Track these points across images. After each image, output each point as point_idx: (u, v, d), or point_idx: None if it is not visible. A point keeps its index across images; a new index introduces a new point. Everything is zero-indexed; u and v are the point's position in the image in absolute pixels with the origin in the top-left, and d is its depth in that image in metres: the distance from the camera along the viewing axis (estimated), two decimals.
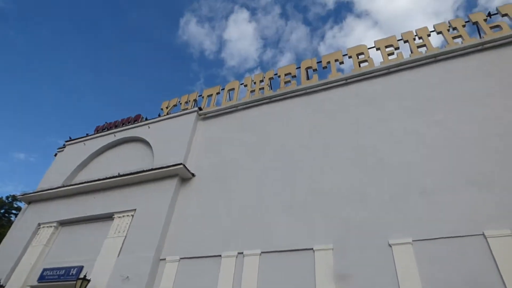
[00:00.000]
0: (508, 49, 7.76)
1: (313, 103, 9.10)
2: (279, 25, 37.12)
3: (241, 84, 10.91)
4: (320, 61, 9.97)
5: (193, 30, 38.25)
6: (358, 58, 9.38)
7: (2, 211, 19.79)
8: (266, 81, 10.39)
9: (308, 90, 9.42)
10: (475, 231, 5.38)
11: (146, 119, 11.37)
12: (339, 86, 9.10)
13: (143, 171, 9.16)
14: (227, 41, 38.47)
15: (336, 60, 9.71)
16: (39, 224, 9.89)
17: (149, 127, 10.89)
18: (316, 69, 9.90)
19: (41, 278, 8.48)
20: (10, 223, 18.17)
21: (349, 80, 9.04)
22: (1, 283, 8.40)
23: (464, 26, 8.70)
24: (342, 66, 9.87)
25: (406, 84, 8.25)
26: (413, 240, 5.66)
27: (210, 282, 6.65)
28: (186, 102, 11.41)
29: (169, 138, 10.05)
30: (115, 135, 11.39)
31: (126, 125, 11.57)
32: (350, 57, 9.55)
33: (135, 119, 11.69)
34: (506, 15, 8.34)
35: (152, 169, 9.09)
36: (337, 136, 7.94)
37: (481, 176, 5.95)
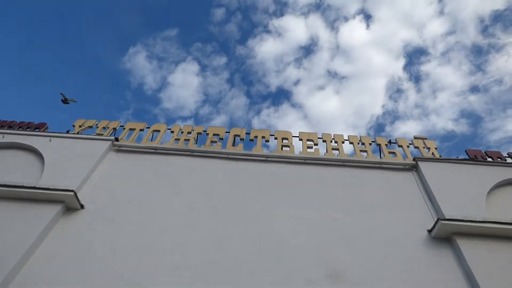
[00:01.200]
0: (399, 173, 9.35)
1: (232, 170, 9.33)
2: (223, 88, 38.96)
3: (168, 129, 10.74)
4: (249, 133, 10.55)
5: (140, 62, 37.59)
6: (282, 141, 10.20)
7: None
8: (194, 134, 10.45)
9: (231, 156, 9.70)
10: None
11: (50, 131, 10.14)
12: (260, 161, 9.62)
13: (22, 186, 7.83)
14: (169, 84, 38.46)
15: (263, 137, 10.38)
16: None
17: (50, 140, 9.64)
18: (243, 139, 10.39)
19: None
20: None
21: (269, 159, 9.65)
22: None
23: (370, 144, 10.33)
24: (267, 143, 10.57)
25: (316, 178, 9.15)
26: None
27: None
28: (104, 128, 10.61)
29: (69, 159, 8.97)
30: (3, 136, 9.76)
31: (23, 130, 10.10)
32: (276, 138, 10.34)
33: (38, 127, 10.31)
34: (401, 146, 10.24)
35: (34, 187, 7.85)
36: (244, 207, 8.10)
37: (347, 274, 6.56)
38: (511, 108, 31.89)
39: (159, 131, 10.61)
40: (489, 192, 8.36)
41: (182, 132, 10.54)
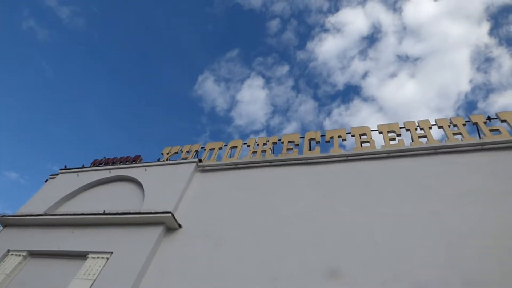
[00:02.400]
0: (506, 153, 8.00)
1: (312, 174, 9.17)
2: (290, 96, 39.17)
3: (244, 143, 11.13)
4: (324, 135, 10.28)
5: (209, 87, 40.30)
6: (360, 138, 9.67)
7: None
8: (269, 145, 10.62)
9: (309, 161, 9.56)
10: None
11: (144, 161, 11.40)
12: (339, 162, 9.26)
13: (129, 213, 8.89)
14: (238, 101, 40.23)
15: (339, 137, 10.00)
16: (8, 251, 9.28)
17: (145, 170, 10.85)
18: (319, 142, 10.15)
19: None
20: None
21: (349, 158, 9.22)
22: None
23: (464, 125, 9.10)
24: (344, 143, 10.15)
25: (404, 171, 8.38)
26: None
27: None
28: (188, 152, 11.54)
29: (163, 184, 9.95)
30: (110, 171, 11.31)
31: (123, 164, 11.56)
32: (353, 136, 9.86)
33: (134, 159, 11.72)
34: (505, 121, 8.73)
35: (138, 213, 8.83)
36: (332, 211, 7.83)
37: (479, 277, 5.66)
38: None
39: (236, 147, 11.07)
40: None
41: (258, 145, 10.80)
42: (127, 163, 11.58)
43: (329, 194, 8.35)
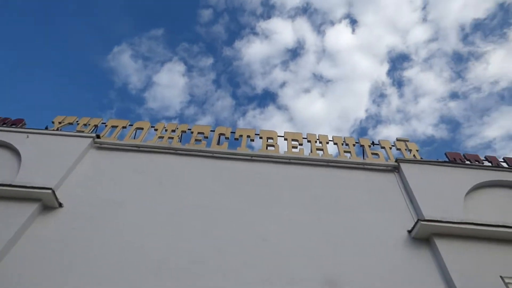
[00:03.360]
0: (380, 174, 9.49)
1: (216, 168, 9.26)
2: (209, 89, 38.73)
3: (152, 126, 10.56)
4: (234, 132, 10.49)
5: (124, 61, 36.85)
6: (267, 141, 10.19)
7: None
8: (178, 132, 10.31)
9: (215, 154, 9.63)
10: None
11: (28, 127, 9.83)
12: (244, 160, 9.57)
13: None
14: (155, 83, 37.86)
15: (248, 136, 10.34)
16: None
17: (27, 136, 9.32)
18: (228, 138, 10.32)
19: None
20: None
21: (254, 158, 9.63)
22: None
23: (354, 145, 10.44)
24: (252, 143, 10.55)
25: (300, 178, 9.18)
26: None
27: None
28: (85, 125, 10.33)
29: (47, 156, 8.70)
30: None
31: (0, 125, 9.74)
32: (261, 138, 10.32)
33: (15, 123, 9.97)
34: (383, 148, 10.39)
35: (10, 185, 7.59)
36: (229, 206, 8.05)
37: (341, 277, 6.63)
38: (488, 115, 32.91)
39: (142, 128, 10.42)
40: (467, 194, 8.60)
41: (166, 130, 10.39)
42: (5, 125, 9.80)
43: (229, 189, 8.57)
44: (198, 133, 10.32)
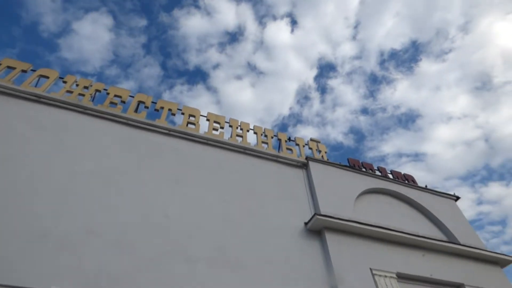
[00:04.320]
0: (290, 168, 10.13)
1: (130, 137, 8.61)
2: (137, 53, 35.86)
3: (60, 78, 9.28)
4: (155, 102, 9.93)
5: None
6: (189, 118, 9.91)
7: None
8: (92, 90, 9.24)
9: (130, 122, 8.93)
10: None
11: None
12: (160, 134, 9.11)
13: None
14: (74, 31, 33.27)
15: (169, 110, 9.89)
16: None
17: None
18: (148, 107, 9.71)
19: None
20: None
21: (171, 133, 9.25)
22: None
23: (272, 137, 10.89)
24: (172, 117, 10.15)
25: (216, 160, 9.19)
26: None
27: None
28: None
29: None
30: None
31: None
32: (183, 113, 9.98)
33: None
34: (298, 145, 11.09)
35: None
36: (136, 179, 7.61)
37: (244, 259, 6.95)
38: (387, 133, 38.02)
39: (48, 77, 9.07)
40: (358, 196, 9.79)
41: (77, 85, 9.24)
42: None
43: (139, 161, 8.10)
44: (115, 95, 9.44)
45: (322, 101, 40.20)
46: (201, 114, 10.28)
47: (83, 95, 9.03)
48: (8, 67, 8.78)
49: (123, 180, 7.49)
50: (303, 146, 11.18)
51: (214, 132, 9.98)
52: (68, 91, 8.94)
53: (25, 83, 8.56)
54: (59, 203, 6.51)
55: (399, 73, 37.72)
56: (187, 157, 8.88)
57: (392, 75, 37.56)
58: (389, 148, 38.47)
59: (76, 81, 9.36)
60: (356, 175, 10.65)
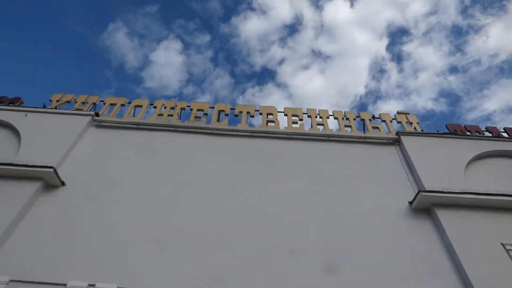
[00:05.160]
0: (382, 147, 9.48)
1: (216, 145, 9.24)
2: (207, 68, 38.12)
3: (151, 104, 10.44)
4: (234, 108, 10.39)
5: (120, 39, 36.01)
6: (267, 117, 10.11)
7: None
8: (178, 110, 10.20)
9: (215, 131, 9.58)
10: None
11: (26, 106, 9.72)
12: (244, 137, 9.54)
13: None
14: (152, 62, 37.16)
15: (248, 112, 10.25)
16: None
17: (26, 115, 9.23)
18: (228, 114, 10.23)
19: None
20: None
21: (254, 134, 9.58)
22: None
23: (354, 119, 10.37)
24: (252, 119, 10.50)
25: (300, 152, 9.17)
26: None
27: None
28: (83, 103, 10.19)
29: (47, 135, 8.64)
30: None
31: None
32: (260, 113, 10.24)
33: (12, 101, 9.84)
34: (384, 121, 10.32)
35: (11, 164, 7.57)
36: (228, 182, 8.08)
37: (341, 249, 6.74)
38: (487, 88, 32.56)
39: (141, 106, 10.31)
40: (467, 164, 8.61)
41: (165, 108, 10.28)
42: (2, 104, 9.68)
43: (228, 166, 8.58)
44: (198, 110, 10.22)
45: (400, 70, 36.66)
46: (278, 110, 10.37)
47: (171, 115, 10.00)
48: (111, 104, 10.28)
49: (216, 185, 8.01)
50: (391, 121, 10.33)
51: (294, 125, 9.96)
52: (159, 115, 10.01)
53: (125, 115, 9.92)
54: (166, 213, 7.29)
55: (489, 17, 31.93)
56: (272, 154, 9.04)
57: (480, 21, 32.02)
58: (494, 104, 33.13)
59: (164, 104, 10.40)
60: (461, 141, 9.39)
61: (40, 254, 6.40)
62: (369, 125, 10.13)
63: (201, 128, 9.59)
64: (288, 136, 9.60)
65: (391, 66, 36.88)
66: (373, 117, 10.52)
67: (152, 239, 6.75)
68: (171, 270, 6.25)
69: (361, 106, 36.28)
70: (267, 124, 9.94)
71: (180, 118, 10.07)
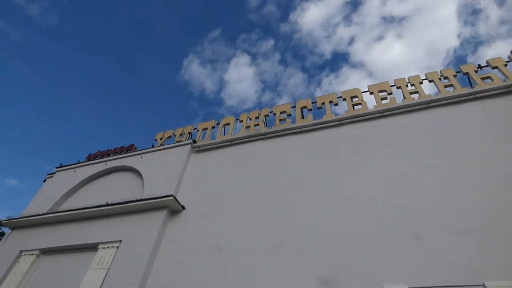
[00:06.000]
0: (498, 99, 7.95)
1: (307, 142, 9.17)
2: (278, 71, 38.48)
3: (236, 119, 11.03)
4: (315, 102, 10.16)
5: (195, 70, 39.39)
6: (352, 100, 9.57)
7: None
8: (262, 118, 10.53)
9: (302, 129, 9.53)
10: (475, 281, 5.16)
11: (139, 149, 11.39)
12: (333, 127, 9.23)
13: (132, 201, 8.99)
14: (227, 82, 39.56)
15: (330, 102, 9.90)
16: (20, 251, 9.52)
17: (141, 157, 10.85)
18: (311, 109, 10.06)
19: None
20: None
21: (343, 122, 9.17)
22: None
23: (455, 76, 8.97)
24: (336, 108, 10.08)
25: (399, 128, 8.35)
26: (409, 287, 5.41)
27: None
28: (181, 135, 11.46)
29: (161, 169, 9.99)
30: (106, 164, 11.32)
31: (118, 154, 11.54)
32: (344, 99, 9.75)
33: (128, 149, 11.68)
34: (496, 67, 8.61)
35: (141, 200, 8.93)
36: (329, 177, 7.90)
37: (480, 224, 5.80)
38: None
39: (228, 124, 11.00)
40: None
41: (250, 119, 10.72)
42: (122, 153, 11.55)
43: (324, 159, 8.40)
44: (281, 113, 10.35)
45: (501, 3, 30.23)
46: (362, 90, 9.73)
47: (257, 124, 10.36)
48: (203, 129, 11.29)
49: (318, 180, 7.90)
50: (505, 65, 8.60)
51: (383, 102, 9.20)
52: (246, 127, 10.49)
53: (217, 135, 10.73)
54: (280, 216, 7.52)
55: None
56: (367, 138, 8.49)
57: None
58: None
59: (248, 116, 10.86)
60: None
61: (182, 272, 7.35)
62: (475, 77, 8.65)
63: (288, 129, 9.67)
64: (380, 114, 8.89)
65: (486, 3, 30.77)
66: (479, 66, 8.94)
67: (269, 242, 7.08)
68: (296, 271, 6.40)
69: (458, 60, 31.20)
70: (353, 108, 9.42)
71: (266, 125, 10.36)
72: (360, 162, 7.91)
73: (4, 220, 10.65)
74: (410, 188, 6.88)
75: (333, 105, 9.90)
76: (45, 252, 9.41)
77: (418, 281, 5.45)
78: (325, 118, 9.46)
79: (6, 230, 13.12)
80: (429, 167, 7.12)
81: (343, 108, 9.88)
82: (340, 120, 9.23)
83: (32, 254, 9.34)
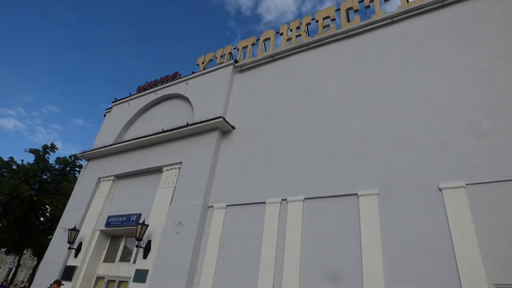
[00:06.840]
0: None
1: (355, 47, 8.49)
2: None
3: (276, 32, 10.43)
4: (362, 1, 9.11)
5: None
6: None
7: (67, 168, 22.06)
8: (303, 27, 9.81)
9: (349, 33, 8.76)
10: None
11: (183, 76, 11.52)
12: (384, 26, 8.33)
13: (185, 125, 9.44)
14: None
15: None
16: (99, 178, 10.90)
17: (187, 83, 11.01)
18: (357, 10, 9.10)
19: (107, 224, 9.59)
20: (75, 179, 20.27)
21: (395, 19, 8.22)
22: (76, 228, 9.58)
23: None
24: (387, 5, 8.98)
25: (461, 20, 7.30)
26: (466, 184, 5.30)
27: (256, 226, 6.99)
28: (222, 56, 11.25)
29: (207, 92, 10.14)
30: (155, 93, 11.73)
31: (165, 83, 11.81)
32: None
33: (173, 77, 11.86)
34: None
35: (193, 124, 9.33)
36: (383, 80, 7.42)
37: None
38: None
39: (269, 38, 10.47)
40: None
41: (291, 30, 10.07)
42: (168, 81, 11.79)
43: (377, 64, 7.81)
44: (324, 19, 9.52)
45: None
46: None
47: (299, 35, 9.73)
48: (243, 47, 10.92)
49: (372, 87, 7.49)
50: None
51: None
52: (287, 40, 9.93)
53: (258, 51, 10.37)
54: (332, 125, 7.47)
55: None
56: (427, 33, 7.57)
57: None
58: None
59: (288, 27, 10.19)
60: None
61: (240, 184, 7.95)
62: None
63: (333, 35, 8.93)
64: (440, 3, 7.73)
65: None
66: None
67: (324, 152, 7.19)
68: (351, 175, 6.56)
69: None
70: (407, 1, 8.32)
71: (309, 35, 9.71)
72: (417, 61, 7.22)
73: (79, 154, 11.96)
74: (472, 84, 6.27)
75: (383, 1, 8.83)
76: (119, 177, 10.61)
77: (477, 177, 5.30)
78: (374, 17, 8.51)
79: (82, 162, 14.84)
80: (500, 57, 6.32)
81: (395, 3, 8.78)
82: (392, 18, 8.26)
83: (109, 180, 10.60)
